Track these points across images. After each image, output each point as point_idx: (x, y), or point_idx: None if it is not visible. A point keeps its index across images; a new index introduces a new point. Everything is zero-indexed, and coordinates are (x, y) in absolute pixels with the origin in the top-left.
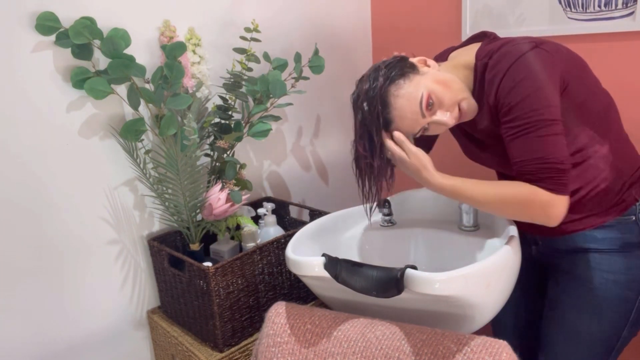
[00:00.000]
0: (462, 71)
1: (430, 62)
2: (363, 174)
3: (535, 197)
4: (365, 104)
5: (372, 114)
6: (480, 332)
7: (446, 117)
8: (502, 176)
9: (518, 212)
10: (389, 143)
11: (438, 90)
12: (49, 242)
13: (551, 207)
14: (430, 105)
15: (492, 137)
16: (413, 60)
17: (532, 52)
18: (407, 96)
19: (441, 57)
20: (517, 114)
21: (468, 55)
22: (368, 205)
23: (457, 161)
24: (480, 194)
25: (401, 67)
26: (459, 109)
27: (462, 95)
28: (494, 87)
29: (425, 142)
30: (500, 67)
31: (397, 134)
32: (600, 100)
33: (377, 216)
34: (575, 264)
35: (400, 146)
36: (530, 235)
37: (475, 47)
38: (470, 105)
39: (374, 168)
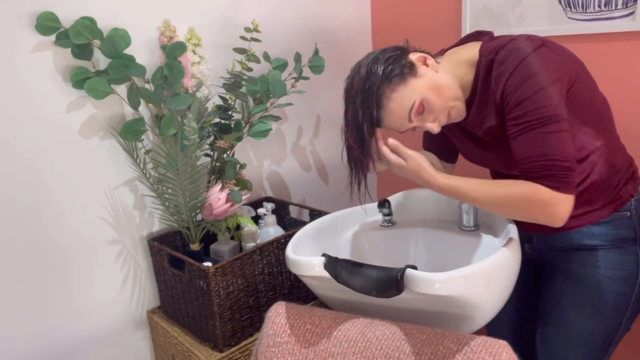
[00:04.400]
0: (463, 67)
1: (430, 61)
2: (351, 162)
3: (538, 196)
4: (359, 100)
5: (364, 112)
6: (480, 332)
7: (433, 125)
8: (499, 175)
9: (521, 212)
10: (385, 150)
11: (431, 98)
12: (49, 242)
13: (555, 206)
14: (420, 113)
15: (496, 137)
16: (412, 58)
17: (539, 51)
18: (399, 100)
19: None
20: (522, 111)
21: (470, 51)
22: (360, 193)
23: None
24: (482, 193)
25: (400, 66)
26: (448, 115)
27: (453, 103)
28: (500, 85)
29: (448, 152)
30: (506, 65)
31: (391, 141)
32: (598, 98)
33: (377, 216)
34: (571, 261)
35: (395, 151)
36: (525, 233)
37: (476, 44)
38: (458, 111)
39: (361, 161)
